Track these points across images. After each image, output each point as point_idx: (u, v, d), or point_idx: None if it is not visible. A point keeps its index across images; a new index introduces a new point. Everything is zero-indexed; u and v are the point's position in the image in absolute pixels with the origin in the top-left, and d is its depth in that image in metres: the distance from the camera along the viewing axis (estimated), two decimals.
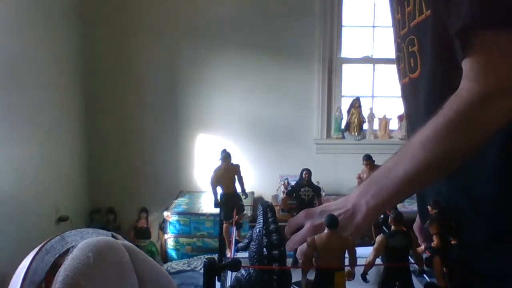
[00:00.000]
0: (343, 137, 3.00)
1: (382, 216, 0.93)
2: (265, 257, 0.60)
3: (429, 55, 0.74)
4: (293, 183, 3.00)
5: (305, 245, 0.62)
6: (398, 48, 0.86)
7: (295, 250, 0.73)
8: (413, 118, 0.85)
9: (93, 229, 0.63)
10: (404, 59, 0.82)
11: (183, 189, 3.03)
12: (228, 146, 1.08)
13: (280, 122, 3.00)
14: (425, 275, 0.67)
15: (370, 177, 0.74)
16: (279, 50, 2.95)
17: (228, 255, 0.83)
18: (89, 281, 0.50)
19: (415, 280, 0.79)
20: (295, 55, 2.96)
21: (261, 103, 2.99)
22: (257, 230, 0.66)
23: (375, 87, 3.09)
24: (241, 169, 0.88)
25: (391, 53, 0.94)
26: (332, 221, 0.58)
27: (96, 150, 3.01)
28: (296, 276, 0.60)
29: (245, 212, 0.97)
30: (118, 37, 2.94)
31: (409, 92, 0.84)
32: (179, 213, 2.62)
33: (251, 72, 2.97)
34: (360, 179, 0.95)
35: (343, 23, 3.01)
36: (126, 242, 0.58)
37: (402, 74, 0.86)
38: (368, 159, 0.95)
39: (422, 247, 0.63)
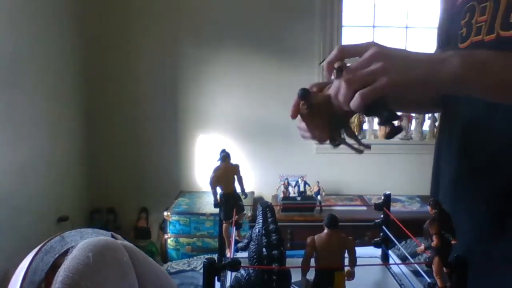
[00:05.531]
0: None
1: (381, 215, 0.93)
2: (264, 257, 0.60)
3: None
4: (293, 183, 2.98)
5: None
6: None
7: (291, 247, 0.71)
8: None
9: (93, 229, 0.63)
10: (492, 12, 0.68)
11: (183, 189, 3.03)
12: (228, 146, 1.08)
13: (280, 122, 3.00)
14: (425, 275, 0.67)
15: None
16: (279, 50, 2.95)
17: (228, 255, 0.83)
18: (89, 281, 0.50)
19: (415, 280, 0.79)
20: (295, 55, 2.95)
21: (261, 103, 2.99)
22: (257, 230, 0.66)
23: None
24: (240, 169, 0.88)
25: None
26: (332, 221, 0.58)
27: (96, 150, 3.01)
28: (296, 276, 0.60)
29: (245, 212, 0.96)
30: (118, 37, 2.94)
31: None
32: (179, 213, 2.62)
33: (251, 72, 2.97)
34: None
35: (343, 23, 3.01)
36: (126, 242, 0.58)
37: (474, 29, 0.72)
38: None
39: (422, 247, 0.62)
